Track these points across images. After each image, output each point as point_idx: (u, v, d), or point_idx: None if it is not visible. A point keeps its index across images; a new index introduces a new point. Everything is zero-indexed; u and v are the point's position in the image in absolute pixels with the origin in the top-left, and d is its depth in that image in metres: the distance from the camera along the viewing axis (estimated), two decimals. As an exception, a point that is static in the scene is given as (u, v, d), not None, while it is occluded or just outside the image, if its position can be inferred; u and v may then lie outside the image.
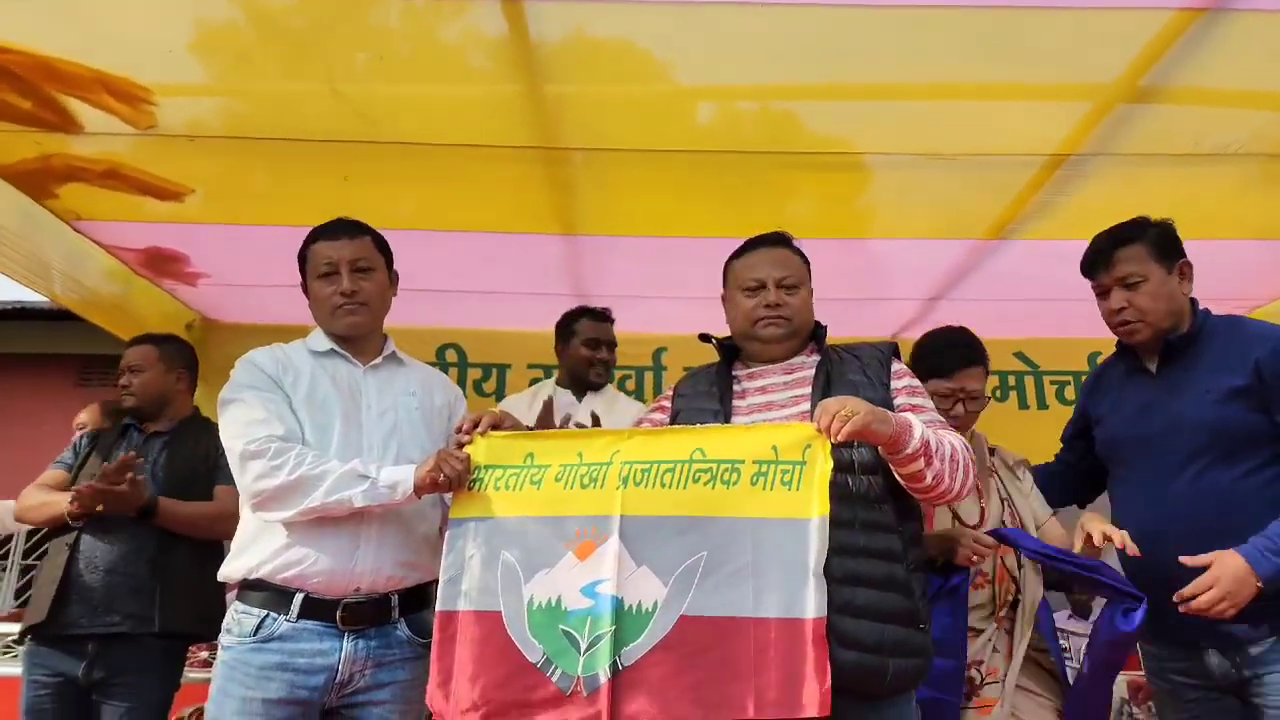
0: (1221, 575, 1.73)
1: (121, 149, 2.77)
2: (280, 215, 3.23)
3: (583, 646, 1.62)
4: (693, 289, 2.89)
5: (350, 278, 1.96)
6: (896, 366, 1.94)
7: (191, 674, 2.77)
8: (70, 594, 2.43)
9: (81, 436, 2.86)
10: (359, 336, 2.02)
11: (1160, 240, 2.10)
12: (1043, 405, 4.45)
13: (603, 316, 3.20)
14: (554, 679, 1.63)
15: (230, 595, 1.92)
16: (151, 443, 2.74)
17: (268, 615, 1.73)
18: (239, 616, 1.76)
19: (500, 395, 4.34)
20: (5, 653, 3.71)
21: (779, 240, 2.05)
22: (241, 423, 1.80)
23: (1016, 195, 3.11)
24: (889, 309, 4.22)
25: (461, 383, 4.40)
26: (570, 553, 1.67)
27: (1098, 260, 2.16)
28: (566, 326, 3.27)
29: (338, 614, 1.75)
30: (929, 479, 1.68)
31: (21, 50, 2.32)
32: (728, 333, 2.07)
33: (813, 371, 1.89)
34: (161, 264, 3.74)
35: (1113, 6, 2.16)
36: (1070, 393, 4.42)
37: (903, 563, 1.69)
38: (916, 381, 1.94)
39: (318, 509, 1.72)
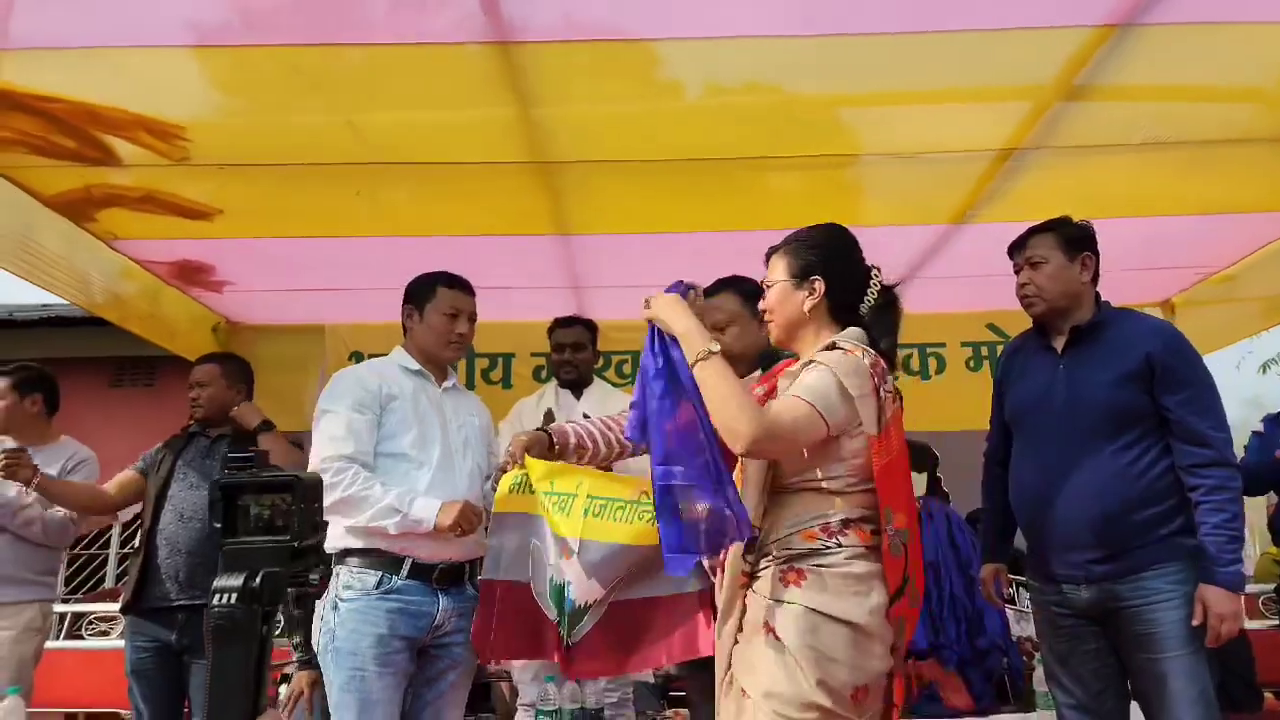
0: (1223, 614, 2.06)
1: (156, 177, 3.09)
2: (297, 229, 3.56)
3: (567, 619, 2.21)
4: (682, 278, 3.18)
5: (468, 325, 2.45)
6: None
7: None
8: (158, 573, 2.82)
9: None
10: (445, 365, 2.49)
11: (1069, 234, 2.43)
12: (1014, 373, 4.74)
13: (567, 322, 3.50)
14: (561, 633, 2.21)
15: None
16: (218, 444, 3.09)
17: (384, 575, 2.14)
18: (358, 575, 2.18)
19: (506, 382, 4.65)
20: (105, 632, 4.10)
21: (716, 289, 2.37)
22: (325, 437, 2.23)
23: (972, 185, 3.39)
24: (866, 289, 4.50)
25: (470, 371, 4.72)
26: (563, 556, 2.21)
27: (1016, 244, 2.50)
28: (549, 335, 3.58)
29: (434, 576, 2.20)
30: None
31: (68, 100, 2.63)
32: None
33: None
34: (190, 274, 4.07)
35: (1042, 26, 2.44)
36: (1041, 361, 4.71)
37: None
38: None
39: (363, 527, 2.16)
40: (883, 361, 1.75)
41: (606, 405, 3.35)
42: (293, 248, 3.69)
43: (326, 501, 2.08)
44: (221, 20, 2.32)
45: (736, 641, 1.73)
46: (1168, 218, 3.67)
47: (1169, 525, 2.19)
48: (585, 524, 2.17)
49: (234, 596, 1.07)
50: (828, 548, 1.67)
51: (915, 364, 4.82)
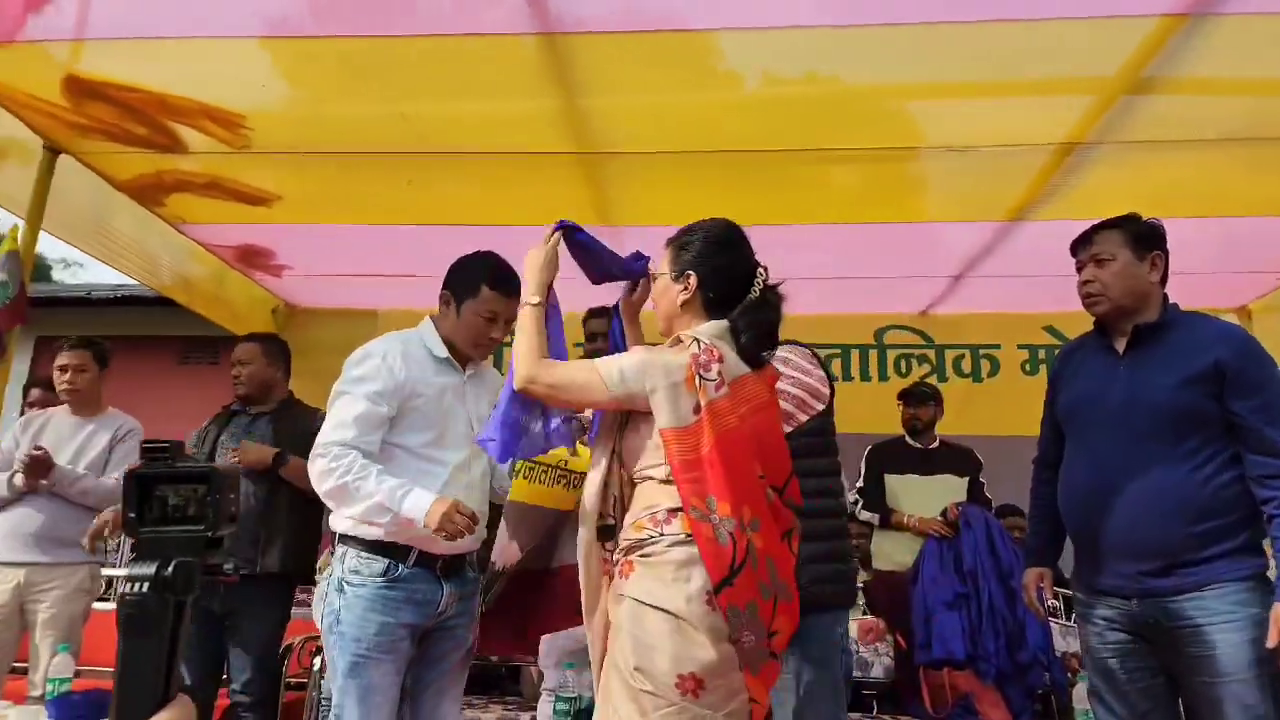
0: None
1: (220, 164, 3.21)
2: (352, 216, 3.65)
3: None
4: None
5: (502, 330, 2.32)
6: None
7: (298, 611, 3.28)
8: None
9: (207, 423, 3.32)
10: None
11: (1138, 231, 2.29)
12: (1072, 377, 4.61)
13: (599, 313, 3.49)
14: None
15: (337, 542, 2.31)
16: (258, 421, 3.19)
17: (391, 563, 2.14)
18: (366, 561, 2.15)
19: (555, 371, 4.69)
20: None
21: None
22: (334, 421, 2.16)
23: (1032, 181, 3.30)
24: (919, 287, 4.43)
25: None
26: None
27: (1080, 240, 2.38)
28: (583, 328, 3.62)
29: (438, 566, 2.20)
30: None
31: (141, 89, 2.74)
32: None
33: None
34: (252, 258, 4.20)
35: (1108, 15, 2.35)
36: (1100, 365, 4.58)
37: None
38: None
39: (358, 518, 2.13)
40: (717, 350, 1.75)
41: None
42: (347, 234, 3.79)
43: (322, 487, 2.11)
44: (286, 11, 2.40)
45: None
46: (1244, 218, 3.51)
47: (1233, 540, 2.04)
48: (515, 485, 2.19)
49: (145, 585, 1.05)
50: (652, 537, 1.69)
51: (967, 366, 4.72)
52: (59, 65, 2.64)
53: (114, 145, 3.06)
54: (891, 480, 3.87)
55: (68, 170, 3.13)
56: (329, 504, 2.17)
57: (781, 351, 2.16)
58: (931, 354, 4.74)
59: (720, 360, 1.74)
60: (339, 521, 2.21)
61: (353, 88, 2.77)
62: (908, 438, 3.95)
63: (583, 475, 2.12)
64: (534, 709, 3.24)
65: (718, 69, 2.65)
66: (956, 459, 3.87)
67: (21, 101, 2.84)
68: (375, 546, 2.15)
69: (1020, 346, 4.68)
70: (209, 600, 2.94)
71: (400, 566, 2.14)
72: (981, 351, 4.71)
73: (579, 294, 4.08)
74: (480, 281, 2.27)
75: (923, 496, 3.76)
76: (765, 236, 3.75)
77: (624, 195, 3.43)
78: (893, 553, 3.82)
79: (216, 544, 1.13)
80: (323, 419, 2.22)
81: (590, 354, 3.46)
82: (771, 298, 1.87)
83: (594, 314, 3.56)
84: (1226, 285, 4.22)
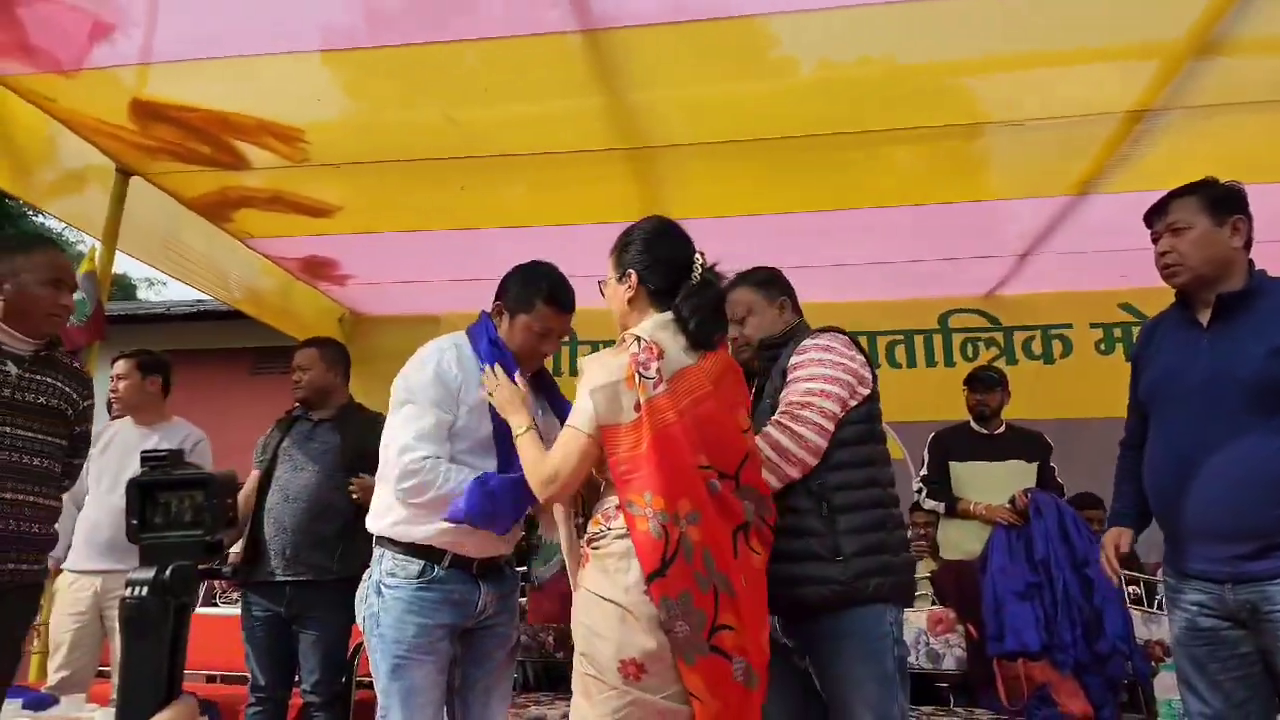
0: None
1: (282, 178, 3.30)
2: (410, 222, 3.72)
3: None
4: (787, 260, 3.08)
5: (554, 345, 2.35)
6: (794, 360, 2.14)
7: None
8: (266, 550, 3.02)
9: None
10: None
11: (1216, 195, 2.15)
12: (1151, 355, 4.43)
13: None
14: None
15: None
16: (320, 427, 3.26)
17: (426, 564, 2.17)
18: (401, 563, 2.18)
19: (612, 369, 4.71)
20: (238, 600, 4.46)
21: (732, 285, 2.29)
22: (413, 432, 2.15)
23: (1098, 151, 3.18)
24: (984, 268, 4.31)
25: (572, 357, 4.82)
26: None
27: (1154, 210, 2.25)
28: None
29: (473, 568, 2.23)
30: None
31: (201, 108, 2.83)
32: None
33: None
34: (316, 269, 4.31)
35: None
36: (1180, 341, 4.39)
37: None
38: (803, 356, 2.12)
39: (409, 522, 2.18)
40: (657, 348, 1.78)
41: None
42: (407, 241, 3.86)
43: (422, 498, 2.11)
44: (340, 24, 2.45)
45: None
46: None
47: None
48: None
49: (145, 589, 1.10)
50: (602, 532, 1.78)
51: (1037, 347, 4.57)
52: (126, 90, 2.75)
53: (181, 165, 3.18)
54: (957, 467, 3.76)
55: (139, 191, 3.26)
56: (421, 509, 2.15)
57: (823, 339, 2.15)
58: (999, 336, 4.60)
59: (660, 357, 1.78)
60: (374, 523, 2.24)
61: (406, 97, 2.82)
62: (973, 423, 3.85)
63: None
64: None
65: (770, 55, 2.62)
66: (1025, 443, 3.75)
67: (93, 127, 2.96)
68: (410, 549, 2.17)
69: (1094, 325, 4.51)
70: (278, 604, 3.03)
71: (436, 568, 2.16)
72: (1052, 332, 4.55)
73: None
74: (536, 298, 2.23)
75: (990, 483, 3.64)
76: (822, 223, 3.71)
77: (676, 189, 3.42)
78: (961, 541, 3.72)
79: (215, 548, 1.17)
80: (383, 425, 2.25)
81: None
82: (710, 277, 1.90)
83: None
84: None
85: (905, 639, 2.10)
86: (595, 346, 4.79)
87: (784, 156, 3.16)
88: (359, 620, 2.24)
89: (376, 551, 2.24)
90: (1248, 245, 2.14)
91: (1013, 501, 3.50)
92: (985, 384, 3.78)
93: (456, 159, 3.11)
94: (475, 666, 2.28)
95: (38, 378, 2.26)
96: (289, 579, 3.02)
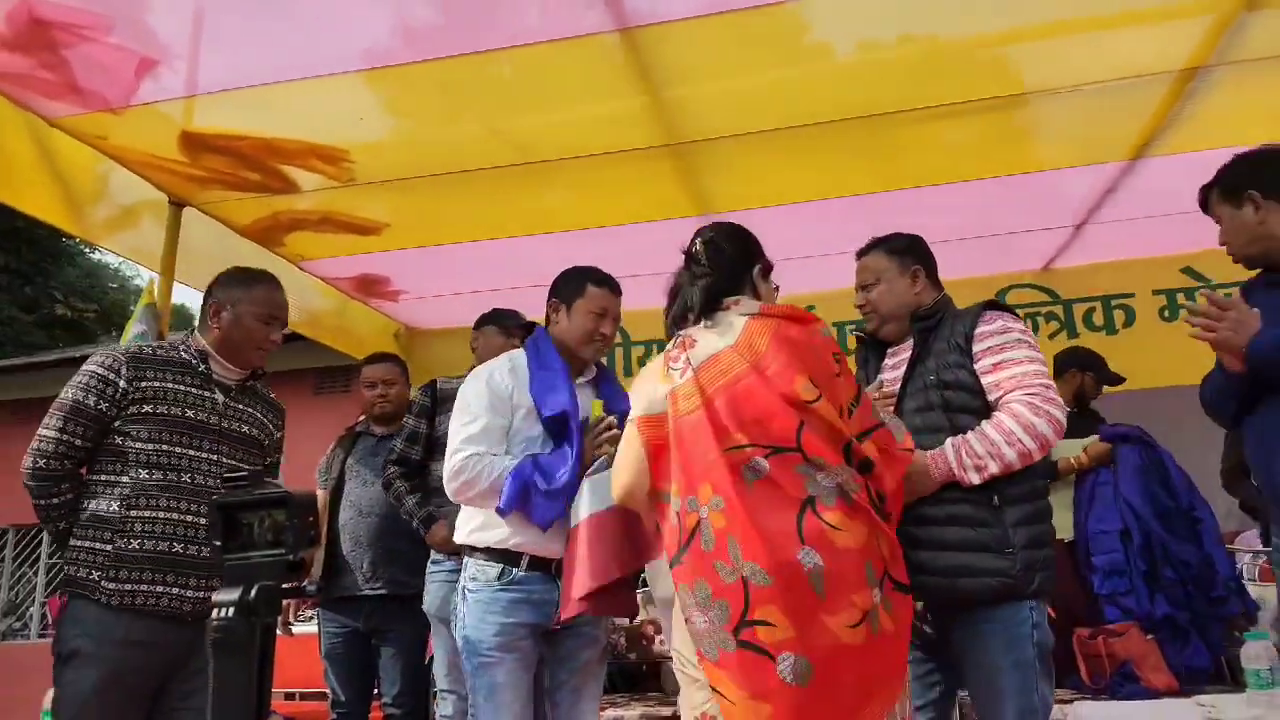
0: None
1: (330, 200, 3.35)
2: (458, 234, 3.75)
3: None
4: (839, 245, 3.00)
5: (612, 326, 2.48)
6: (981, 329, 2.08)
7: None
8: (345, 564, 3.07)
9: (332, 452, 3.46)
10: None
11: (1228, 186, 2.10)
12: (1219, 320, 4.26)
13: None
14: None
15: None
16: (385, 443, 3.30)
17: (504, 567, 2.26)
18: (482, 568, 2.28)
19: (665, 368, 4.70)
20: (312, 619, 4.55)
21: (866, 249, 2.33)
22: (460, 437, 2.29)
23: (1154, 112, 3.08)
24: (1039, 241, 4.20)
25: (626, 360, 4.81)
26: None
27: (1200, 203, 2.22)
28: None
29: (552, 568, 2.29)
30: (985, 476, 1.95)
31: (248, 135, 2.90)
32: None
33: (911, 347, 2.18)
34: (369, 286, 4.38)
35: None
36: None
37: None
38: (1007, 336, 2.05)
39: (486, 502, 2.26)
40: (689, 340, 1.85)
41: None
42: (456, 253, 3.90)
43: (471, 493, 2.23)
44: (379, 42, 2.48)
45: None
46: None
47: None
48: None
49: (231, 610, 1.10)
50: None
51: (1099, 319, 4.43)
52: (174, 123, 2.82)
53: (232, 193, 3.25)
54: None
55: (193, 222, 3.34)
56: (469, 504, 2.29)
57: (1010, 317, 2.12)
58: (1059, 310, 4.46)
59: (689, 347, 1.82)
60: (459, 532, 2.36)
61: (447, 110, 2.85)
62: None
63: None
64: (674, 703, 3.25)
65: (805, 40, 2.59)
66: (1094, 419, 3.68)
67: (144, 161, 3.04)
68: (491, 554, 2.28)
69: (1156, 293, 4.35)
70: (356, 620, 3.08)
71: (514, 570, 2.25)
72: (1114, 302, 4.40)
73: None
74: (586, 281, 2.44)
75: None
76: (871, 205, 3.65)
77: (720, 183, 3.39)
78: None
79: (297, 567, 1.18)
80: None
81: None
82: (693, 255, 2.00)
83: None
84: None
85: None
86: (648, 348, 4.79)
87: (826, 141, 3.11)
88: (453, 629, 2.31)
89: (465, 560, 2.34)
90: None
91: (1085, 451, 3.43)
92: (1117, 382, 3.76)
93: (500, 168, 3.13)
94: (561, 667, 2.34)
95: (240, 406, 2.32)
96: (368, 593, 3.07)
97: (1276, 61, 2.73)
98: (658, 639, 3.77)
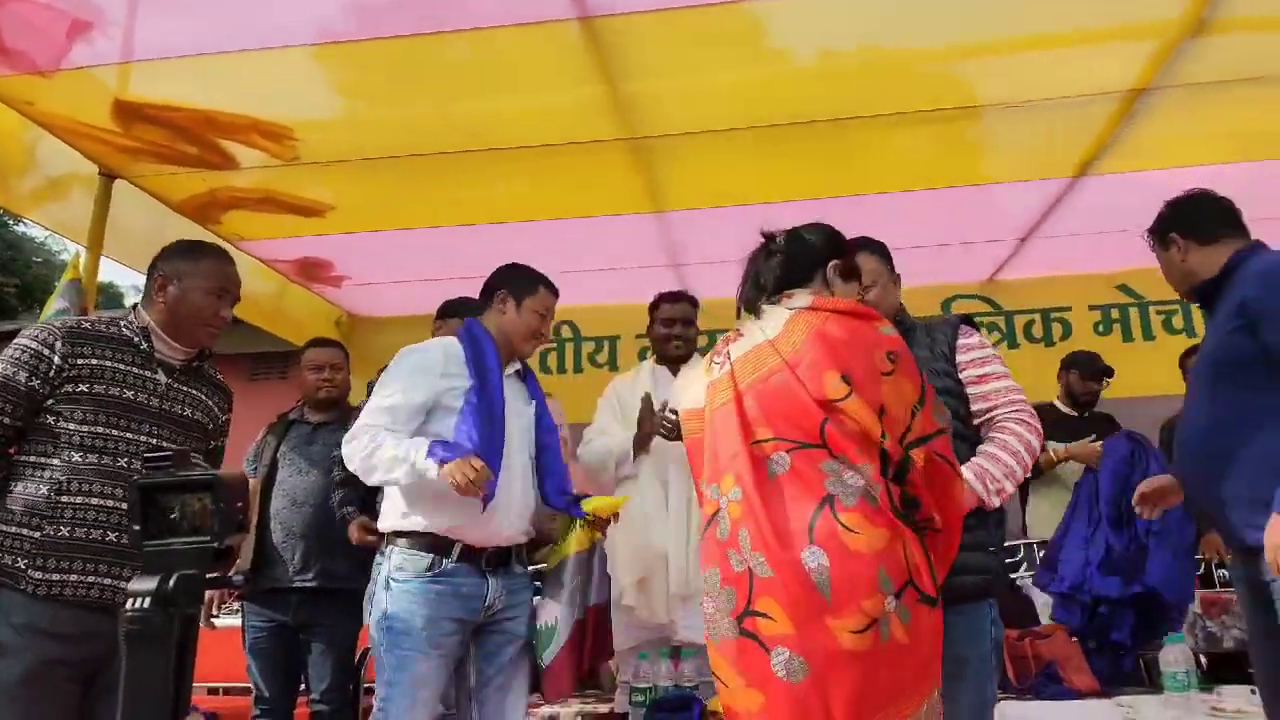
0: (1274, 545, 1.82)
1: (272, 178, 3.24)
2: (406, 220, 3.67)
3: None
4: None
5: (550, 328, 2.56)
6: (963, 341, 2.13)
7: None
8: (275, 555, 2.97)
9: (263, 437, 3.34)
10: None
11: (1155, 229, 2.28)
12: (1149, 337, 4.40)
13: (676, 297, 3.34)
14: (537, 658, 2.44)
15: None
16: (322, 430, 3.20)
17: (435, 557, 2.21)
18: (410, 558, 2.22)
19: (612, 366, 4.66)
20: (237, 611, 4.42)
21: (858, 249, 2.28)
22: (365, 411, 2.30)
23: (1099, 131, 3.15)
24: (985, 252, 4.28)
25: (576, 356, 4.77)
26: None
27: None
28: (651, 310, 3.42)
29: (483, 560, 2.25)
30: (1004, 499, 2.03)
31: (186, 107, 2.78)
32: None
33: None
34: (311, 271, 4.26)
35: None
36: (1178, 322, 4.37)
37: None
38: (985, 352, 2.13)
39: (379, 482, 2.25)
40: (736, 334, 1.88)
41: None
42: (403, 239, 3.81)
43: (354, 466, 2.20)
44: (328, 18, 2.40)
45: None
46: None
47: None
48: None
49: (147, 601, 1.02)
50: None
51: (1038, 330, 4.56)
52: (107, 90, 2.68)
53: (167, 166, 3.12)
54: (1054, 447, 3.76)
55: (124, 195, 3.20)
56: (366, 480, 2.25)
57: (978, 336, 2.18)
58: (1001, 321, 4.58)
59: (733, 341, 1.85)
60: (385, 520, 2.29)
61: (399, 91, 2.77)
62: (1061, 405, 3.90)
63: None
64: (612, 700, 3.23)
65: (764, 42, 2.59)
66: (1106, 423, 3.78)
67: (74, 130, 2.90)
68: (419, 542, 2.23)
69: (1092, 308, 4.50)
70: (283, 613, 2.98)
71: (444, 561, 2.21)
72: (1053, 315, 4.54)
73: (647, 282, 4.01)
74: (539, 283, 2.50)
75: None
76: (823, 210, 3.64)
77: (676, 179, 3.37)
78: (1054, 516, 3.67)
79: (222, 555, 1.10)
80: None
81: (668, 340, 3.32)
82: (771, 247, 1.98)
83: (668, 299, 3.34)
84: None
85: None
86: (598, 343, 4.75)
87: (782, 145, 3.12)
88: (367, 618, 2.24)
89: (386, 548, 2.26)
90: (1200, 242, 2.18)
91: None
92: (1106, 374, 3.82)
93: (452, 154, 3.06)
94: (488, 664, 2.30)
95: (184, 388, 2.17)
96: (298, 585, 2.97)
97: (1216, 86, 2.81)
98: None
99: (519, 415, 2.44)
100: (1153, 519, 2.38)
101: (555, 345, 4.78)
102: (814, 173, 3.36)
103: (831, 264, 1.93)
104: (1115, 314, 4.45)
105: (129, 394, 2.05)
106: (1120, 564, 3.16)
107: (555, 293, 2.54)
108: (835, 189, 3.44)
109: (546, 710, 3.23)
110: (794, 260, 1.91)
